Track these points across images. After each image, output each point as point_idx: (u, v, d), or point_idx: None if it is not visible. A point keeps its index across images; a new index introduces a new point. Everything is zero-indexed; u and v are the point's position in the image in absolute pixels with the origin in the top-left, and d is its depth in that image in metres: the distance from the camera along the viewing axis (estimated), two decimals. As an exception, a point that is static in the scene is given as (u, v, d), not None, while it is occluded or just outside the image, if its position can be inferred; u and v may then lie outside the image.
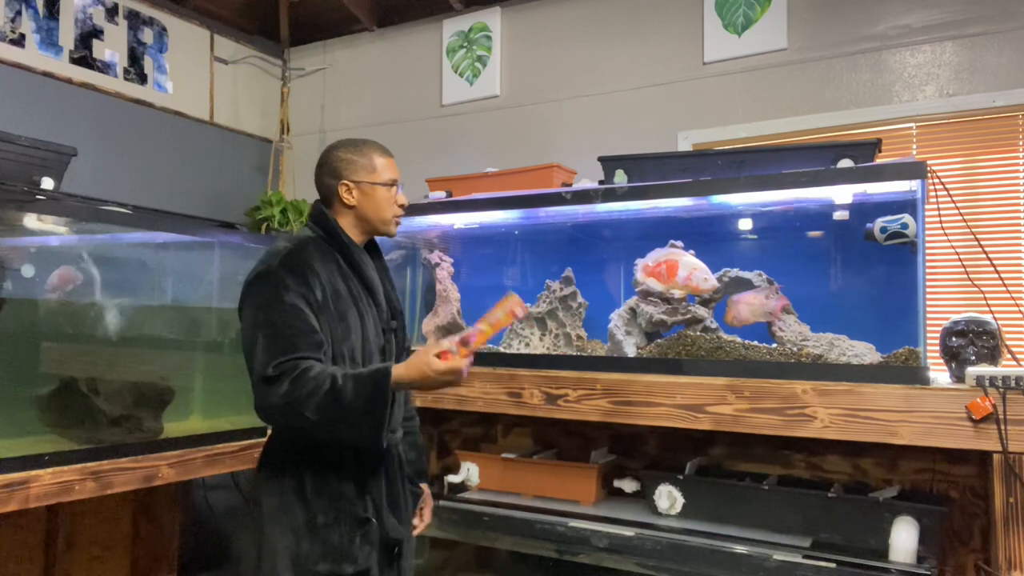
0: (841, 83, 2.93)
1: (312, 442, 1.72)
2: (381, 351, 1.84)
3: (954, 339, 2.16)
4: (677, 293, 2.49)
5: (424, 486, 2.05)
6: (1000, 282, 2.32)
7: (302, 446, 1.74)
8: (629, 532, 2.31)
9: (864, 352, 2.24)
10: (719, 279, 2.47)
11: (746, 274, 2.46)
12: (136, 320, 2.63)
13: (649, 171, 2.57)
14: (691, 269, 2.46)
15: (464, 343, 1.67)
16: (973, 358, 2.11)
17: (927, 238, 2.29)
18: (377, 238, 1.95)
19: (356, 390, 1.63)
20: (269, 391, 1.65)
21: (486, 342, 1.71)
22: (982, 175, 2.72)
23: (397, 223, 1.90)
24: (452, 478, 2.80)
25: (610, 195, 2.55)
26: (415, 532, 1.97)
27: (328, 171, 1.86)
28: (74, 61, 3.29)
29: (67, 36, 3.27)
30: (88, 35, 3.35)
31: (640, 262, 2.56)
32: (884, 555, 2.09)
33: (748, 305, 2.42)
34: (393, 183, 1.87)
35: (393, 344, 1.88)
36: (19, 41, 3.10)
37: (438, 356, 1.64)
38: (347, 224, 1.86)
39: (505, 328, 1.80)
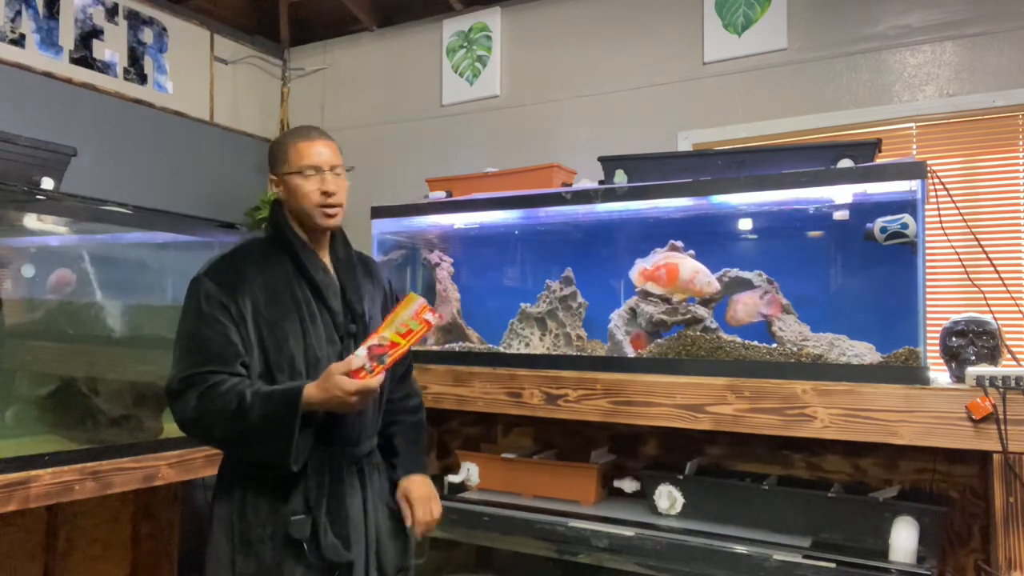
0: (841, 83, 2.93)
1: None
2: (340, 357, 1.68)
3: (954, 339, 2.16)
4: (678, 296, 2.49)
5: (415, 478, 1.85)
6: (1000, 282, 2.32)
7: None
8: (629, 532, 2.31)
9: (864, 352, 2.24)
10: (719, 279, 2.47)
11: (746, 274, 2.46)
12: (136, 320, 2.63)
13: (649, 171, 2.57)
14: (694, 272, 2.46)
15: (377, 359, 1.57)
16: (973, 358, 2.11)
17: (927, 238, 2.29)
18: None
19: (263, 410, 1.55)
20: (177, 405, 1.60)
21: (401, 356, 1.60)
22: (982, 175, 2.72)
23: (328, 214, 1.72)
24: (452, 478, 2.80)
25: (610, 195, 2.55)
26: (421, 532, 1.83)
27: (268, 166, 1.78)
28: (74, 61, 3.29)
29: (67, 36, 3.27)
30: (88, 35, 3.35)
31: (637, 266, 2.56)
32: (884, 555, 2.09)
33: (744, 305, 2.43)
34: (312, 169, 1.70)
35: (352, 350, 1.69)
36: (19, 41, 3.10)
37: (349, 374, 1.54)
38: (293, 220, 1.75)
39: (422, 339, 1.65)
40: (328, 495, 1.67)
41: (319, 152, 1.72)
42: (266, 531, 1.64)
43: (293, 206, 1.74)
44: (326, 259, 1.79)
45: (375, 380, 1.56)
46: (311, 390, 1.56)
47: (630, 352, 2.54)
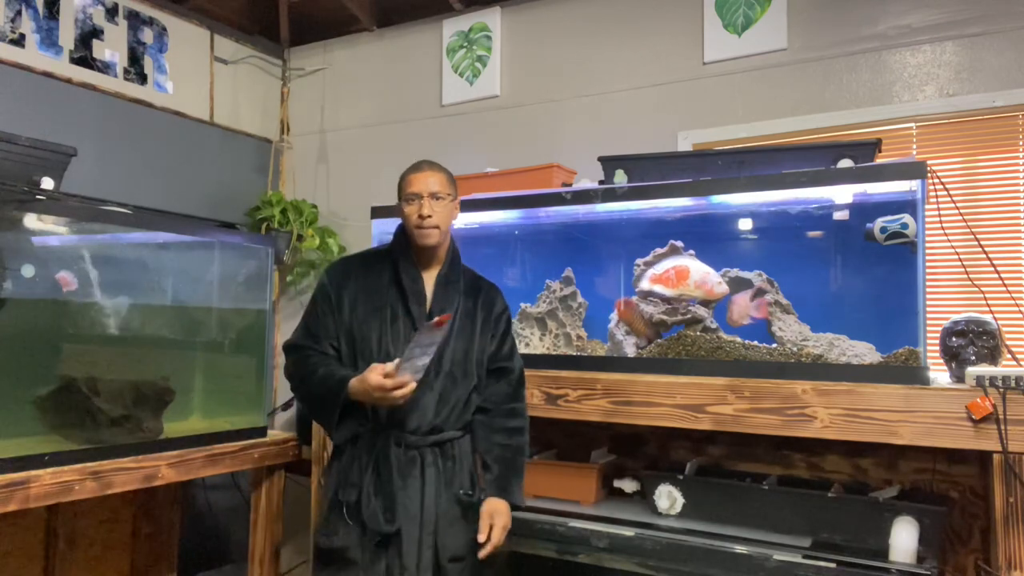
0: (841, 83, 2.93)
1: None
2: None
3: (954, 339, 2.16)
4: (689, 295, 2.49)
5: (495, 501, 2.02)
6: (1000, 282, 2.32)
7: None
8: (629, 532, 2.31)
9: (864, 352, 2.24)
10: (719, 279, 2.47)
11: (746, 274, 2.46)
12: (136, 320, 2.63)
13: (649, 171, 2.57)
14: (704, 274, 2.46)
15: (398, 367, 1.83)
16: (973, 358, 2.11)
17: (927, 238, 2.29)
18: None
19: (320, 388, 1.95)
20: (285, 364, 2.07)
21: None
22: (982, 175, 2.72)
23: (422, 235, 2.01)
24: (452, 478, 2.80)
25: (610, 195, 2.55)
26: (483, 552, 1.96)
27: None
28: (74, 61, 3.29)
29: (67, 36, 3.27)
30: (88, 35, 3.35)
31: (648, 272, 2.56)
32: (884, 555, 2.09)
33: (738, 306, 2.44)
34: (413, 196, 2.01)
35: None
36: (19, 41, 3.10)
37: (387, 374, 1.82)
38: (409, 239, 2.07)
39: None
40: (375, 471, 1.94)
41: (420, 181, 2.02)
42: (333, 496, 1.98)
43: (405, 227, 2.07)
44: (431, 273, 2.08)
45: (390, 382, 1.81)
46: (354, 382, 1.89)
47: (630, 352, 2.54)
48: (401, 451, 1.95)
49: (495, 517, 2.00)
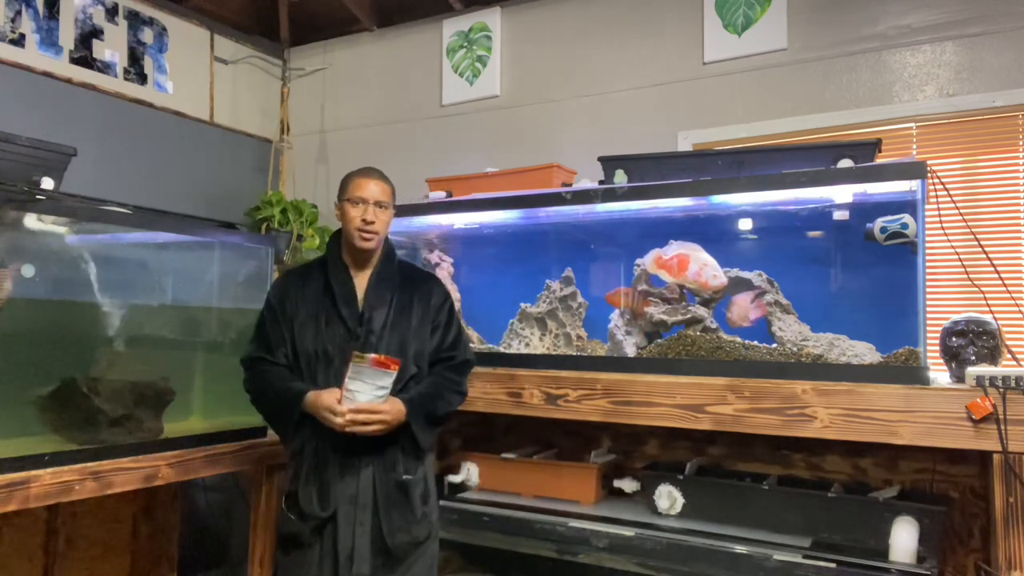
0: (841, 83, 2.93)
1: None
2: (342, 353, 2.07)
3: (954, 339, 2.16)
4: (686, 285, 2.48)
5: (402, 404, 2.05)
6: (1000, 282, 2.32)
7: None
8: (629, 532, 2.31)
9: (864, 352, 2.24)
10: (719, 279, 2.47)
11: (746, 274, 2.46)
12: (136, 320, 2.63)
13: (649, 171, 2.57)
14: (702, 265, 2.46)
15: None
16: (973, 358, 2.11)
17: (927, 238, 2.29)
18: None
19: (273, 403, 2.11)
20: (244, 377, 2.20)
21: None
22: (982, 175, 2.72)
23: (363, 238, 2.12)
24: (452, 478, 2.80)
25: (610, 195, 2.55)
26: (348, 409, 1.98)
27: None
28: (74, 61, 3.29)
29: (67, 36, 3.27)
30: (88, 35, 3.35)
31: (654, 253, 2.55)
32: (884, 555, 2.09)
33: (737, 307, 2.44)
34: (359, 200, 2.11)
35: (357, 346, 2.06)
36: (19, 41, 3.10)
37: (339, 400, 1.97)
38: (343, 243, 2.18)
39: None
40: (315, 460, 2.07)
41: (369, 188, 2.14)
42: (287, 487, 2.15)
43: (343, 228, 2.17)
44: (365, 273, 2.17)
45: (339, 408, 1.97)
46: (308, 396, 2.03)
47: (630, 352, 2.54)
48: (340, 440, 2.04)
49: (390, 402, 2.02)
